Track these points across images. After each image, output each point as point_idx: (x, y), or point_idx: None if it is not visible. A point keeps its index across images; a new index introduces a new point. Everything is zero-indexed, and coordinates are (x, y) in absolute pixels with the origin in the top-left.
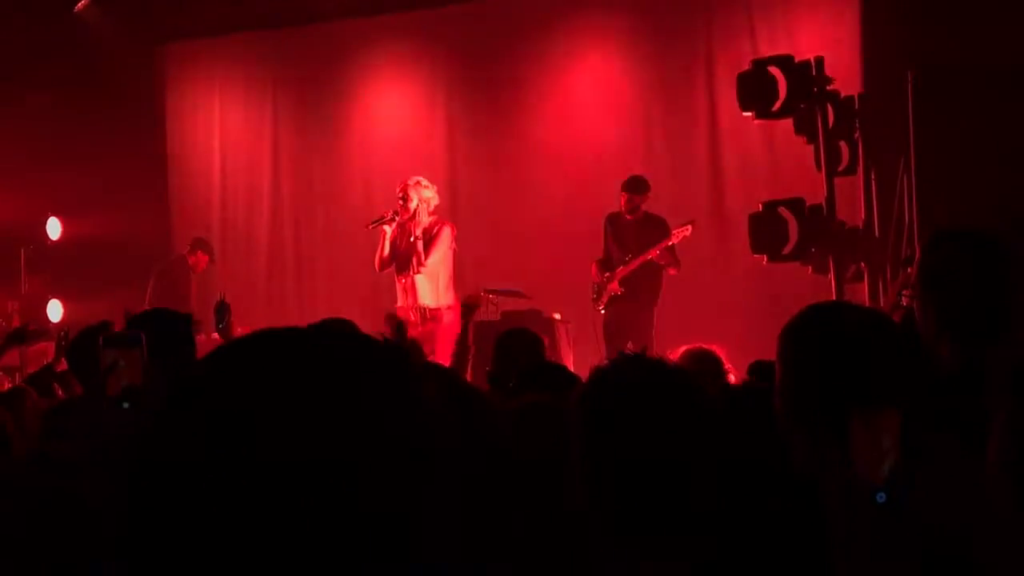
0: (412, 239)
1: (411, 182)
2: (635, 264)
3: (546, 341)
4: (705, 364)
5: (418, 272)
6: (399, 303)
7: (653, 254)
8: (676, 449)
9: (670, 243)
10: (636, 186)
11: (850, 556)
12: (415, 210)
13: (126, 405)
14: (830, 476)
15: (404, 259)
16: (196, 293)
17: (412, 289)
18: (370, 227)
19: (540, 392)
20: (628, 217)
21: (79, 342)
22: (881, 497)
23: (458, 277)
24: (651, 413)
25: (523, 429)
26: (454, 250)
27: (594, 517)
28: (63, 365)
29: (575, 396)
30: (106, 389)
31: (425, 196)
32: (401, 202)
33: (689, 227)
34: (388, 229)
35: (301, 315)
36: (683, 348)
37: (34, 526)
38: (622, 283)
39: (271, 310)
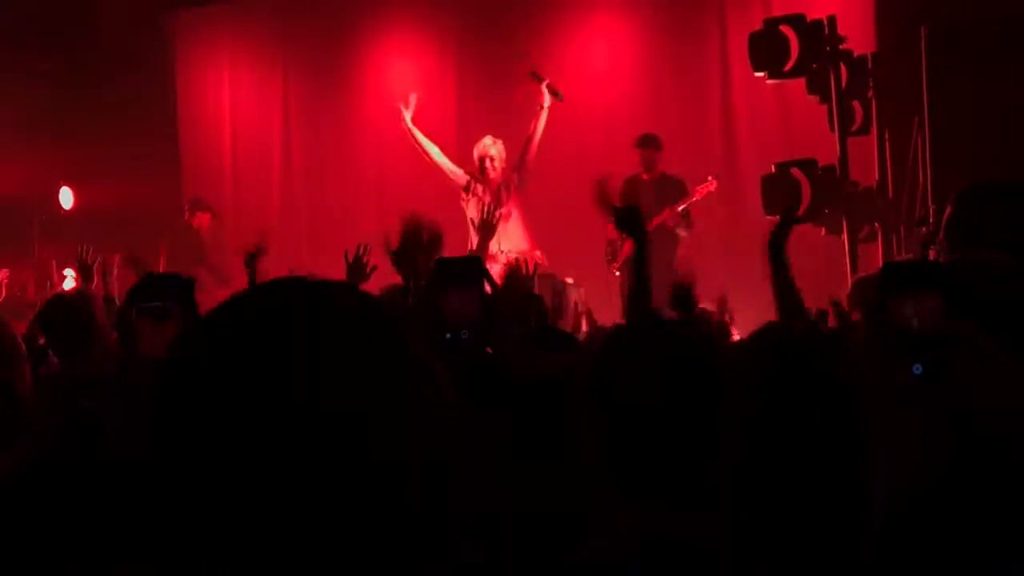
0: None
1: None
2: (653, 224)
3: (554, 303)
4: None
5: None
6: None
7: (675, 211)
8: (699, 408)
9: (694, 199)
10: (647, 141)
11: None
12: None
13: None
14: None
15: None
16: (209, 252)
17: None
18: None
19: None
20: (645, 176)
21: (53, 315)
22: (918, 369)
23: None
24: (671, 373)
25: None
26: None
27: (614, 477)
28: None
29: (589, 357)
30: (137, 351)
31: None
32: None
33: (713, 182)
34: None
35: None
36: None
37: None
38: None
39: (284, 274)
